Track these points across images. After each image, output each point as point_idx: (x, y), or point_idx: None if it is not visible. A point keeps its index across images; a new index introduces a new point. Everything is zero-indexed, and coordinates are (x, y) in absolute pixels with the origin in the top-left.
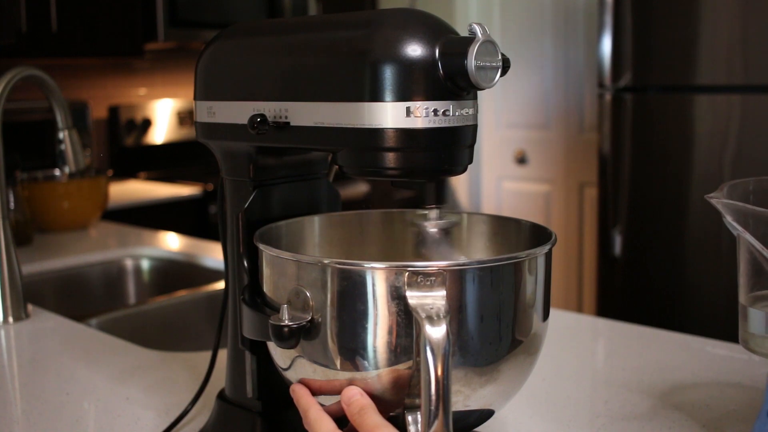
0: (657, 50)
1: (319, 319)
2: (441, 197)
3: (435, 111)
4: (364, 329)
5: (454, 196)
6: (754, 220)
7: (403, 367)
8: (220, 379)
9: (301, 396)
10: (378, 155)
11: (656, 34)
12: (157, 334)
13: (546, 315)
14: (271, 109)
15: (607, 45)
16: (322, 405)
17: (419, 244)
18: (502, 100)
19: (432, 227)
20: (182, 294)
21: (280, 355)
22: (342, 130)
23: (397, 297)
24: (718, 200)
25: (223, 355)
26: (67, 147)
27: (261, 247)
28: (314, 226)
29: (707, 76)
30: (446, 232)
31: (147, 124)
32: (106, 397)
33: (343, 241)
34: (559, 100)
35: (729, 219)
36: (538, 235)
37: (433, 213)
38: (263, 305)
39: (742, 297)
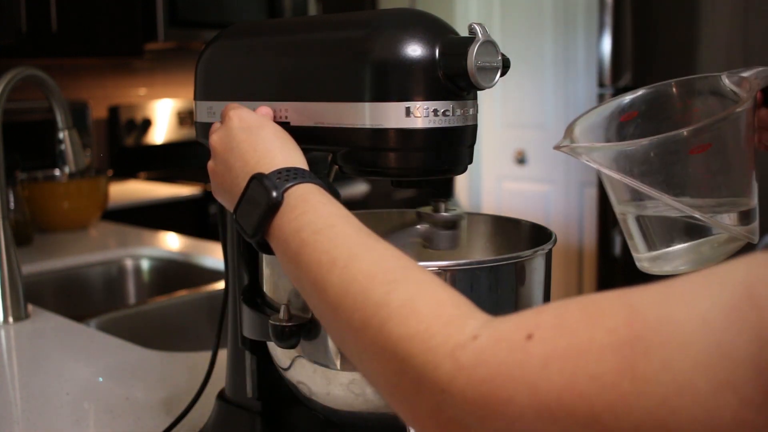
0: (657, 50)
1: None
2: (448, 191)
3: (435, 111)
4: None
5: (454, 197)
6: (609, 155)
7: None
8: (220, 379)
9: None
10: (378, 155)
11: (656, 34)
12: (157, 334)
13: None
14: (271, 109)
15: (607, 45)
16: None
17: (427, 239)
18: (502, 100)
19: (440, 220)
20: (182, 294)
21: (280, 355)
22: (342, 130)
23: None
24: (569, 146)
25: (223, 355)
26: (67, 147)
27: None
28: None
29: None
30: (453, 224)
31: (147, 124)
32: (106, 397)
33: None
34: (559, 100)
35: (585, 159)
36: (538, 235)
37: (441, 206)
38: (263, 305)
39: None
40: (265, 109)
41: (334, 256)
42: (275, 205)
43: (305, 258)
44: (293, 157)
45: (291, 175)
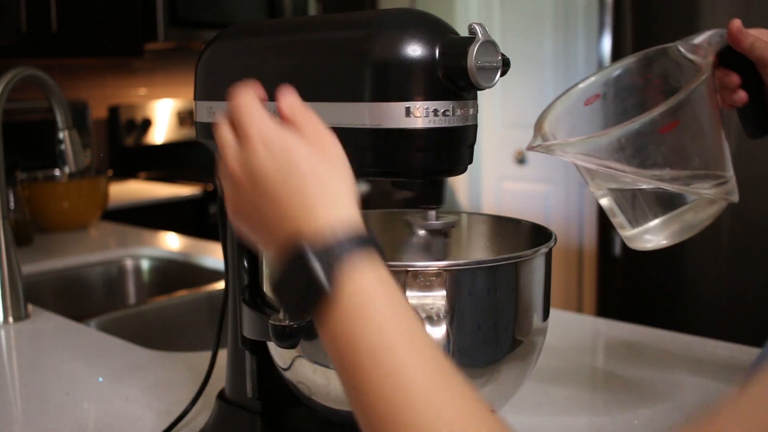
0: None
1: None
2: (439, 197)
3: (435, 111)
4: None
5: (454, 196)
6: (582, 149)
7: None
8: (220, 379)
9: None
10: (378, 155)
11: (656, 34)
12: (157, 334)
13: (546, 315)
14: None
15: (607, 45)
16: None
17: (417, 246)
18: (502, 100)
19: (428, 228)
20: (182, 294)
21: (280, 355)
22: (342, 130)
23: None
24: (542, 145)
25: (223, 355)
26: (67, 147)
27: None
28: None
29: None
30: (444, 233)
31: (147, 124)
32: (106, 397)
33: None
34: None
35: (559, 155)
36: (538, 235)
37: (431, 214)
38: (263, 305)
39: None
40: (252, 90)
41: (388, 397)
42: (324, 296)
43: (355, 380)
44: (338, 197)
45: (343, 250)
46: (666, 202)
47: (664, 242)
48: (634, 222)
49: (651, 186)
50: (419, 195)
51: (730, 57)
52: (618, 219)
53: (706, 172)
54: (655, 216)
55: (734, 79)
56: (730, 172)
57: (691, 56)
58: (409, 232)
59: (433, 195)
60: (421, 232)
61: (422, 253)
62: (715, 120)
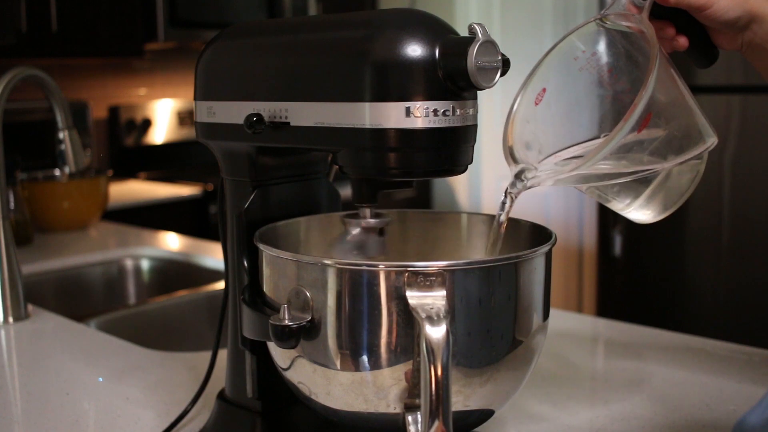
0: None
1: (319, 319)
2: (372, 196)
3: (435, 111)
4: (365, 329)
5: (454, 196)
6: (573, 180)
7: (403, 367)
8: (220, 379)
9: None
10: (378, 155)
11: None
12: (157, 334)
13: (546, 315)
14: (271, 109)
15: None
16: None
17: (352, 244)
18: (502, 100)
19: (362, 226)
20: (182, 294)
21: (280, 355)
22: (342, 130)
23: (397, 297)
24: (534, 179)
25: (223, 355)
26: (67, 147)
27: (261, 247)
28: (314, 226)
29: (707, 76)
30: (380, 231)
31: (147, 124)
32: (106, 397)
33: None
34: None
35: (550, 185)
36: (538, 235)
37: (366, 212)
38: (263, 305)
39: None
40: None
41: None
42: None
43: None
44: None
45: None
46: (642, 180)
47: (659, 215)
48: (623, 202)
49: (638, 177)
50: (354, 194)
51: (660, 10)
52: (615, 202)
53: (684, 134)
54: (645, 189)
55: (670, 30)
56: (702, 119)
57: (624, 23)
58: (345, 231)
59: (368, 194)
60: (356, 231)
61: (357, 251)
62: (673, 78)
